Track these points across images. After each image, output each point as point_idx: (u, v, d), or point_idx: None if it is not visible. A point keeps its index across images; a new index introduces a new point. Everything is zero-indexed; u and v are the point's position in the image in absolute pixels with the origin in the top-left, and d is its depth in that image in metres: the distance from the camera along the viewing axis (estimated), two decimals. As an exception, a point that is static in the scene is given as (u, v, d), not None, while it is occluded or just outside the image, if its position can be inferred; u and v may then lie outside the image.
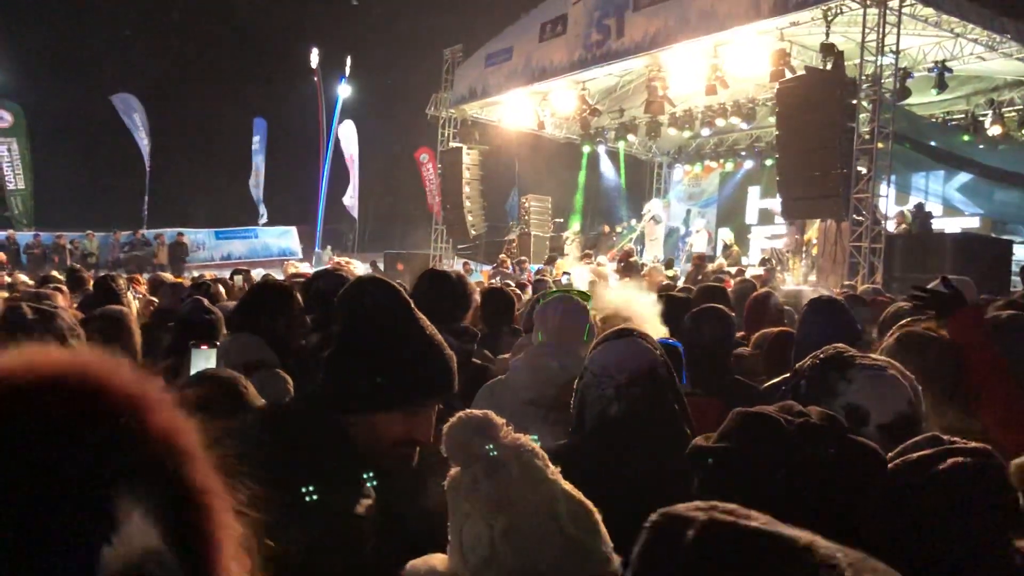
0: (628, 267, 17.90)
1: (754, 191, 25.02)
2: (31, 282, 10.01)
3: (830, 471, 1.29)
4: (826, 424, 1.35)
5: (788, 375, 3.35)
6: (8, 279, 11.47)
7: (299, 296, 3.79)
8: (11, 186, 29.33)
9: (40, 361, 0.70)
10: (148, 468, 0.69)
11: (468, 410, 1.41)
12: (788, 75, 15.51)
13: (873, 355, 2.17)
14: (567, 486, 1.34)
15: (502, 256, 21.55)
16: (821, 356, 2.08)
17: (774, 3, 15.00)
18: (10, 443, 0.64)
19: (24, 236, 26.26)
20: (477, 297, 4.93)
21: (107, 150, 33.83)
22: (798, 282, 16.33)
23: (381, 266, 25.31)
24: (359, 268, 13.57)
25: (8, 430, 0.65)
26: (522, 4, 21.68)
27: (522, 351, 3.56)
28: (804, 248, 17.93)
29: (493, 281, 13.49)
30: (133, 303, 6.20)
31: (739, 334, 5.27)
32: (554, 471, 1.34)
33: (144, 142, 30.67)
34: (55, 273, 10.51)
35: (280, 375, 3.27)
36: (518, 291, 7.47)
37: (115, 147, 33.14)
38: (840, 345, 2.11)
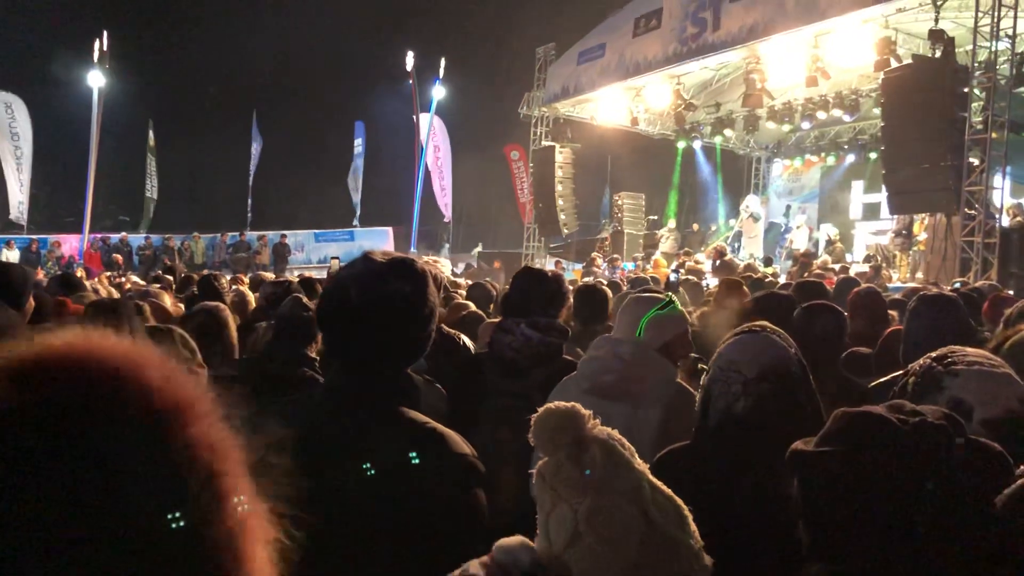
0: (723, 265, 17.54)
1: (858, 185, 24.11)
2: (143, 283, 10.51)
3: (953, 475, 1.17)
4: (946, 423, 1.23)
5: (897, 374, 3.22)
6: (120, 279, 12.06)
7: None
8: (147, 195, 31.82)
9: (90, 344, 0.69)
10: (170, 475, 0.66)
11: (556, 403, 1.41)
12: (894, 64, 14.88)
13: (988, 352, 2.05)
14: (655, 481, 1.33)
15: (593, 254, 21.44)
16: (933, 355, 1.98)
17: (879, -11, 14.43)
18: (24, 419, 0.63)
19: (136, 238, 27.66)
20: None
21: (215, 156, 35.26)
22: (905, 279, 15.70)
23: (475, 264, 25.69)
24: (447, 267, 13.74)
25: (27, 408, 0.63)
26: (615, 0, 21.49)
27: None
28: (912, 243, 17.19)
29: (587, 279, 13.43)
30: (251, 299, 6.42)
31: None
32: (640, 463, 1.34)
33: (256, 149, 32.44)
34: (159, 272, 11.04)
35: (436, 386, 3.11)
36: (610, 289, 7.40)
37: (222, 152, 34.56)
38: (957, 347, 2.00)
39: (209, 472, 0.68)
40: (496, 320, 4.18)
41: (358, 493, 1.66)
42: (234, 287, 7.42)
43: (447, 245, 31.85)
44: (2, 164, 27.86)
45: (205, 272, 8.61)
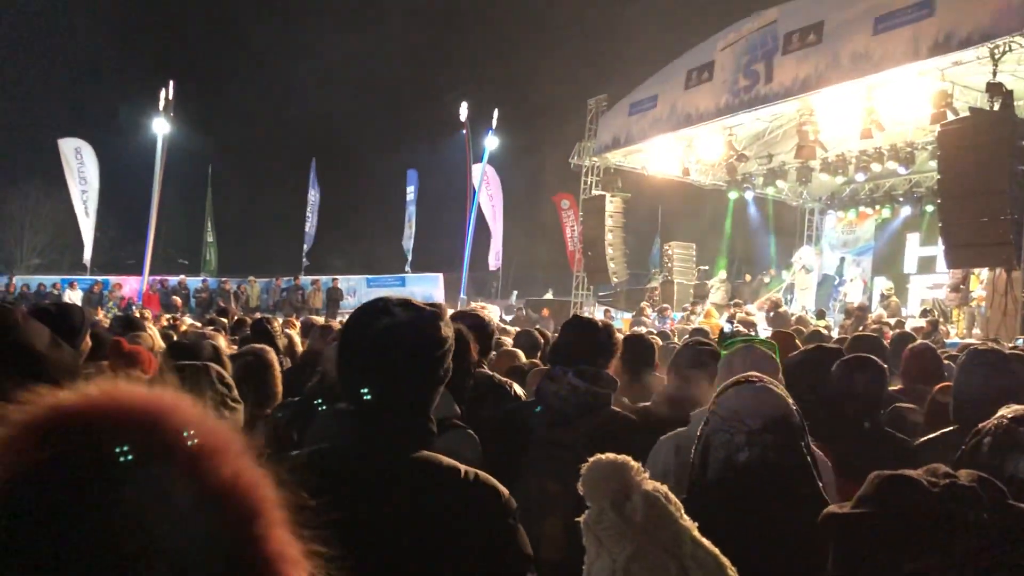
0: (777, 317, 17.31)
1: (913, 238, 23.65)
2: (198, 324, 10.75)
3: (984, 537, 1.16)
4: (977, 486, 1.22)
5: (947, 430, 3.14)
6: (176, 321, 12.36)
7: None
8: (206, 239, 33.10)
9: (113, 394, 0.69)
10: (207, 518, 0.66)
11: (607, 454, 1.43)
12: (950, 117, 14.71)
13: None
14: (701, 537, 1.32)
15: (643, 304, 21.33)
16: (1009, 415, 1.93)
17: (934, 43, 14.31)
18: (59, 471, 0.63)
19: (193, 281, 28.40)
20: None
21: (273, 202, 36.23)
22: (962, 335, 15.32)
23: (523, 312, 25.76)
24: (495, 313, 13.81)
25: (63, 459, 0.64)
26: (667, 53, 21.71)
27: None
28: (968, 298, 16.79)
29: (636, 328, 13.37)
30: (299, 343, 6.55)
31: (896, 388, 5.00)
32: (687, 520, 1.33)
33: (313, 196, 33.34)
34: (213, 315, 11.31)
35: (472, 436, 2.96)
36: (659, 339, 7.36)
37: (280, 198, 35.49)
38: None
39: (245, 512, 0.68)
40: (545, 368, 4.17)
41: (396, 536, 1.66)
42: (284, 330, 7.55)
43: (515, 292, 32.05)
44: (73, 208, 28.95)
45: (258, 315, 8.79)
